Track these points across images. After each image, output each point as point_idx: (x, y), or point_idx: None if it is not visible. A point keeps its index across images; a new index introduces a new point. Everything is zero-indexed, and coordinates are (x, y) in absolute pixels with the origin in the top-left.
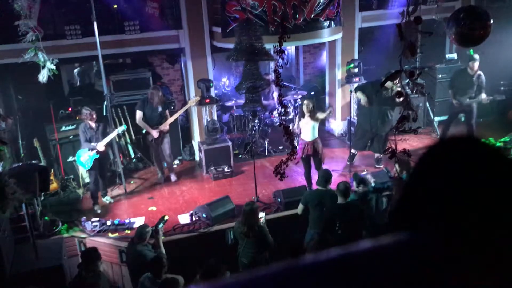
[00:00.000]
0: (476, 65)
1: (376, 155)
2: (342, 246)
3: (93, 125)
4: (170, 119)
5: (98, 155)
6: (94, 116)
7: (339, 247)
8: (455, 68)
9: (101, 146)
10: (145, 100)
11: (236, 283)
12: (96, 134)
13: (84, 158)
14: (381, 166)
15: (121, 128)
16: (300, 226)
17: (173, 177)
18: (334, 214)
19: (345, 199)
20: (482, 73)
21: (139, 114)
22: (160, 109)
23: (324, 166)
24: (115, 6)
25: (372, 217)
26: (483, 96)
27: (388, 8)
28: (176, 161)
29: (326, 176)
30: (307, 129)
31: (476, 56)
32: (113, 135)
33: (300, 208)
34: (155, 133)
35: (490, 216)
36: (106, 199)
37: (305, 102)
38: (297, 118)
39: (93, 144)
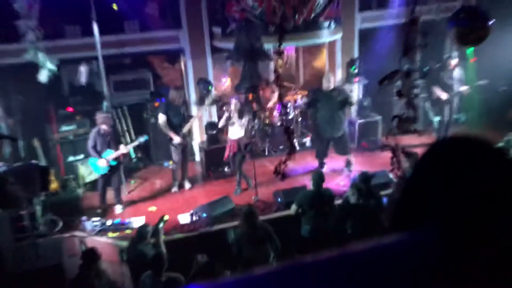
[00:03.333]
0: (454, 62)
1: (345, 157)
2: (349, 245)
3: (106, 130)
4: (190, 122)
5: (116, 161)
6: (109, 121)
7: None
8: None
9: (119, 153)
10: (167, 103)
11: (236, 283)
12: (107, 139)
13: (103, 163)
14: (351, 170)
15: (142, 139)
16: (300, 225)
17: (187, 185)
18: (346, 213)
19: (358, 199)
20: (460, 68)
21: (162, 117)
22: (183, 111)
23: (325, 166)
24: (115, 6)
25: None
26: (462, 88)
27: (388, 8)
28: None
29: (320, 179)
30: (236, 128)
31: (454, 54)
32: (134, 144)
33: (293, 209)
34: (178, 139)
35: (491, 216)
36: (119, 207)
37: (233, 101)
38: (224, 118)
39: (106, 150)
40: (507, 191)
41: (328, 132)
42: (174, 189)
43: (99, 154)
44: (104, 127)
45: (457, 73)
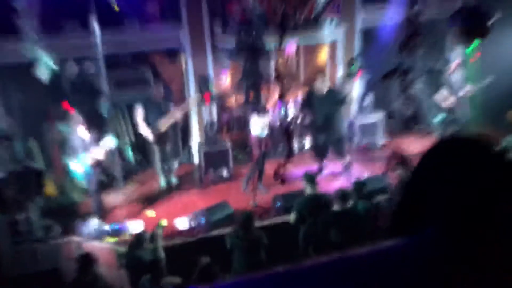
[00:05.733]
0: (454, 65)
1: (342, 161)
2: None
3: (82, 132)
4: (168, 121)
5: (91, 168)
6: (82, 123)
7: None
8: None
9: (91, 157)
10: (149, 98)
11: (236, 285)
12: (84, 142)
13: (79, 169)
14: (349, 171)
15: (112, 144)
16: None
17: (173, 179)
18: (330, 221)
19: (343, 205)
20: (459, 71)
21: (140, 111)
22: (164, 107)
23: (323, 170)
24: (115, 4)
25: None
26: (465, 88)
27: (389, 7)
28: (175, 165)
29: (312, 180)
30: (262, 125)
31: (453, 57)
32: (102, 148)
33: (293, 217)
34: (151, 135)
35: (490, 216)
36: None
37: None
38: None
39: (82, 154)
40: (506, 192)
41: (324, 135)
42: (162, 184)
43: (75, 157)
44: (78, 129)
45: (457, 75)
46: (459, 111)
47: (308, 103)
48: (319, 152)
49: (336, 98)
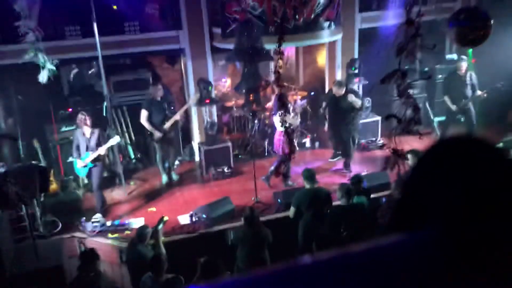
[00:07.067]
0: (464, 65)
1: (344, 159)
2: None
3: (87, 131)
4: (173, 118)
5: (93, 164)
6: (88, 122)
7: (342, 248)
8: (455, 68)
9: (94, 156)
10: (150, 99)
11: (236, 283)
12: (89, 141)
13: (80, 165)
14: (349, 171)
15: (115, 140)
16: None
17: (174, 176)
18: (338, 216)
19: (348, 201)
20: (473, 73)
21: (144, 113)
22: (165, 106)
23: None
24: (115, 6)
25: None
26: (478, 92)
27: (388, 9)
28: (176, 162)
29: (310, 174)
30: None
31: (463, 57)
32: (106, 146)
33: (292, 211)
34: (158, 134)
35: (491, 216)
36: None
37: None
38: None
39: (85, 153)
40: (507, 192)
41: (336, 133)
42: (163, 182)
43: (79, 156)
44: (83, 128)
45: (468, 77)
46: (463, 112)
47: (328, 102)
48: (335, 144)
49: (349, 103)
